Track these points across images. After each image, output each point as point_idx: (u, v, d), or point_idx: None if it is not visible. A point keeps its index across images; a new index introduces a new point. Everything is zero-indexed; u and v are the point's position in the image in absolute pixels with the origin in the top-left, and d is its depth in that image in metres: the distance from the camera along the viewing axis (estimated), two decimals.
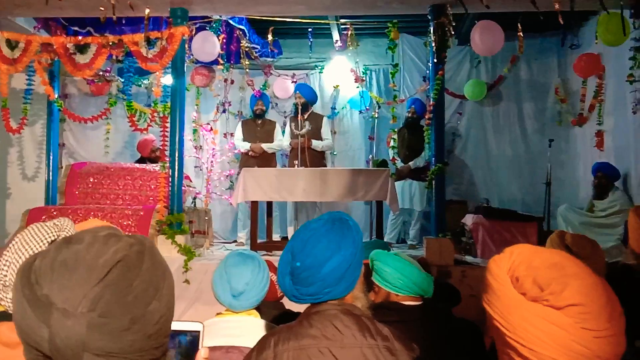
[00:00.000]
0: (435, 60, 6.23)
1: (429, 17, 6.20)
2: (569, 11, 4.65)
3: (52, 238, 1.56)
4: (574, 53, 7.84)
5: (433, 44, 6.18)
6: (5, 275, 1.52)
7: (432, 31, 6.13)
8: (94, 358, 0.81)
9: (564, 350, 0.96)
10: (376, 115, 8.38)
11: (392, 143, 7.56)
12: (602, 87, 7.26)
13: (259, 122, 7.71)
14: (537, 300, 1.00)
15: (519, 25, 5.99)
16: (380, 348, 1.58)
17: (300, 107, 7.02)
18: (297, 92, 7.40)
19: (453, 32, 5.99)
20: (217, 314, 2.31)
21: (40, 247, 1.53)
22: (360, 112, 8.66)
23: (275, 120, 8.04)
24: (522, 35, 6.03)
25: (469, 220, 6.67)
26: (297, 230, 1.71)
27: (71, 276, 0.83)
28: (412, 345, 1.65)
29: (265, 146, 7.50)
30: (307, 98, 7.30)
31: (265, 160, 7.48)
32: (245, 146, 7.54)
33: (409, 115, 7.61)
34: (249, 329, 2.18)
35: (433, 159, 6.32)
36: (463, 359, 2.12)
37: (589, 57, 7.22)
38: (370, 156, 8.15)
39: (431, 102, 6.35)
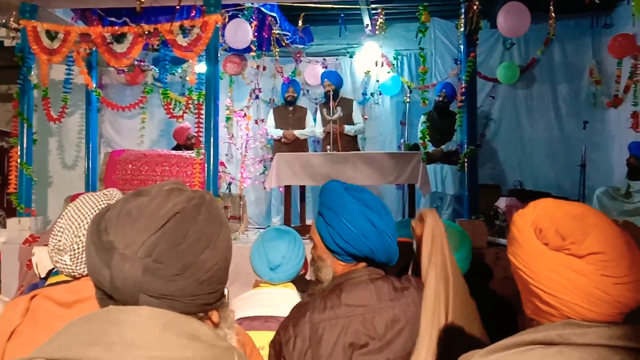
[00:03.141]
0: (466, 43, 6.20)
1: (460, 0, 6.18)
2: None
3: (102, 206, 1.66)
4: (608, 34, 7.70)
5: (464, 27, 6.15)
6: (60, 240, 1.63)
7: (463, 13, 6.10)
8: (148, 299, 0.90)
9: (584, 295, 1.01)
10: (408, 100, 8.36)
11: (421, 127, 7.52)
12: (637, 67, 7.14)
13: (291, 108, 7.78)
14: (559, 249, 1.05)
15: (551, 7, 5.94)
16: (409, 305, 1.65)
17: (331, 94, 7.06)
18: (326, 79, 7.41)
19: (480, 15, 5.95)
20: (255, 286, 2.40)
21: (91, 213, 1.64)
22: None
23: (307, 107, 8.10)
24: (554, 16, 5.97)
25: (502, 203, 6.62)
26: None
27: (133, 225, 0.92)
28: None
29: (297, 132, 7.58)
30: (336, 84, 7.33)
31: (298, 146, 7.56)
32: (277, 133, 7.64)
33: (440, 99, 7.54)
34: (286, 300, 2.25)
35: (465, 142, 6.30)
36: (494, 331, 2.15)
37: (624, 37, 7.11)
38: (402, 140, 8.15)
39: (463, 85, 6.32)
